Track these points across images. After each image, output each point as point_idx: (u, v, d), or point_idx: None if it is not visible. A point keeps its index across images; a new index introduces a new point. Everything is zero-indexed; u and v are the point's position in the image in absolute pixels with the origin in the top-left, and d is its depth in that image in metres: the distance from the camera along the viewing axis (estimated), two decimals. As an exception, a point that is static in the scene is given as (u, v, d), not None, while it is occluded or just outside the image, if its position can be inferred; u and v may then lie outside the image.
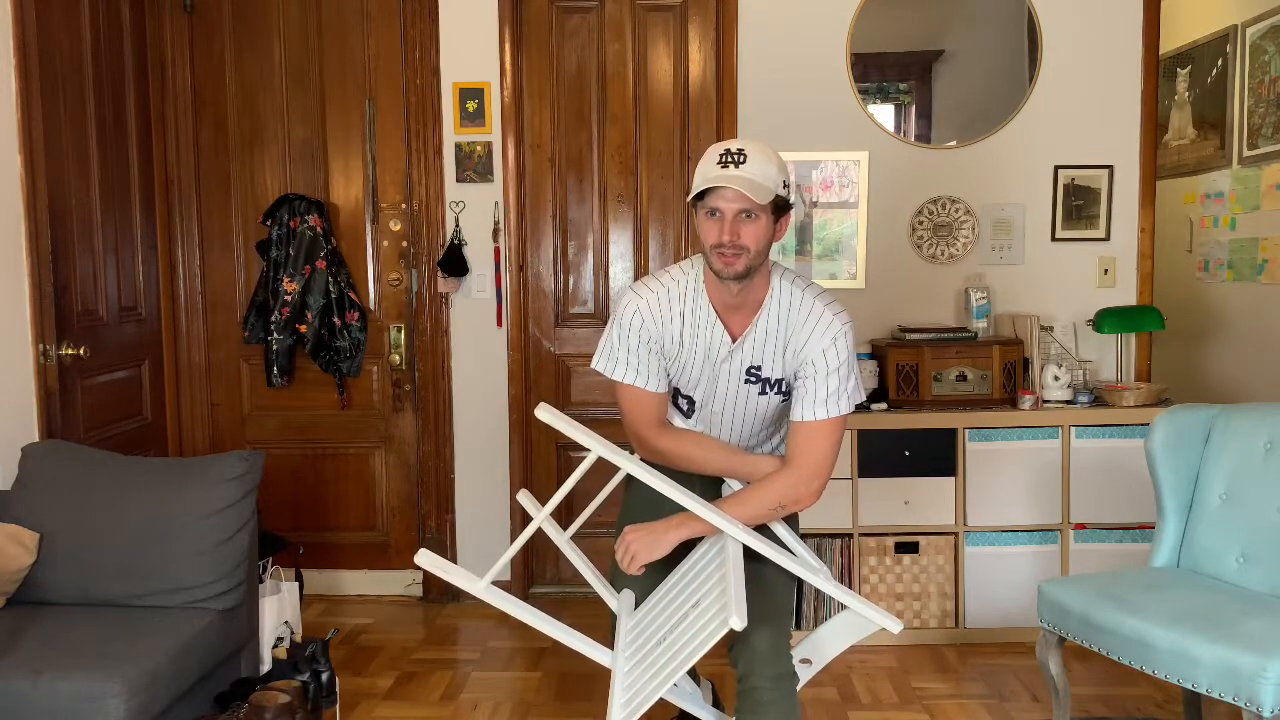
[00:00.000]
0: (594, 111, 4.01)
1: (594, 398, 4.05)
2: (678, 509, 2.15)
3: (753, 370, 2.24)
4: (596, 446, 2.06)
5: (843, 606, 2.21)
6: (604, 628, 2.54)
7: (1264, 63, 4.15)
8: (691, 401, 2.34)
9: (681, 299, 2.22)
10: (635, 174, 4.02)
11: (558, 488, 3.93)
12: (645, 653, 2.08)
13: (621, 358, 2.27)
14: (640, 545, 2.17)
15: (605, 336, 2.30)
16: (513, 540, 4.04)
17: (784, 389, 2.26)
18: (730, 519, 2.10)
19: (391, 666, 3.43)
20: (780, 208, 2.13)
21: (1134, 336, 3.87)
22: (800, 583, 3.50)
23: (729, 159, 2.07)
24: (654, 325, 2.23)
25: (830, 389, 2.17)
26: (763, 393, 2.26)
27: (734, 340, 2.22)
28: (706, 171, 2.09)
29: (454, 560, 4.05)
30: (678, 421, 2.39)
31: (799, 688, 2.18)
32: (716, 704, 2.75)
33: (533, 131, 4.01)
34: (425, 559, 2.16)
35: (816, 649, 2.28)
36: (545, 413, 2.06)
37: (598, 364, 2.32)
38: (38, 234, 3.11)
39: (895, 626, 2.14)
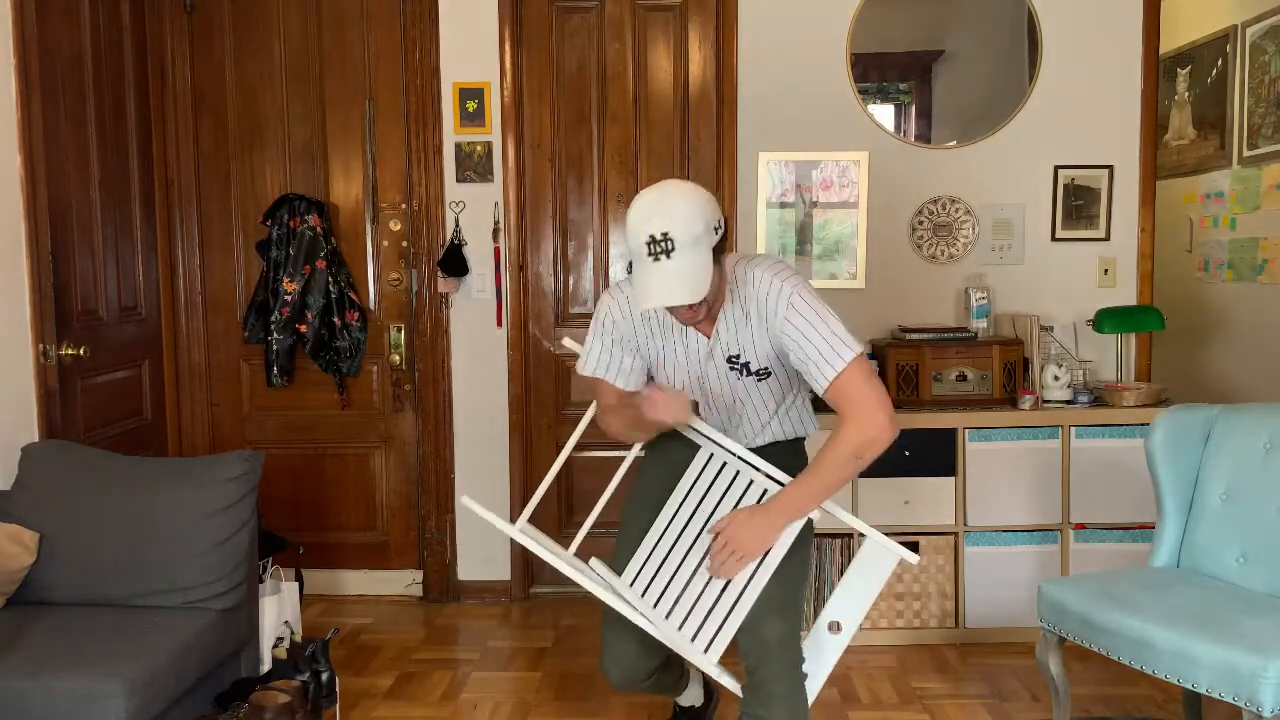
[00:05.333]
0: (594, 111, 4.01)
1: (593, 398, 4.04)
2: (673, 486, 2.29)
3: (733, 359, 2.25)
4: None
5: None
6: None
7: (1264, 63, 4.15)
8: (695, 404, 2.36)
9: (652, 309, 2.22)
10: (635, 174, 4.02)
11: (559, 488, 3.94)
12: (686, 597, 2.19)
13: (595, 353, 2.33)
14: (750, 541, 2.14)
15: (587, 338, 2.36)
16: (513, 543, 4.04)
17: (754, 371, 2.26)
18: (813, 491, 2.14)
19: (391, 666, 3.43)
20: (719, 245, 2.08)
21: (1134, 336, 3.87)
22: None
23: (656, 248, 1.98)
24: (626, 325, 2.28)
25: (820, 341, 2.12)
26: (740, 375, 2.27)
27: (709, 337, 2.24)
28: (637, 258, 2.03)
29: (453, 561, 4.06)
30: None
31: (836, 657, 2.20)
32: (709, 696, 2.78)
33: (533, 131, 4.01)
34: (469, 502, 2.29)
35: (842, 609, 2.26)
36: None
37: (582, 369, 2.38)
38: (38, 234, 3.10)
39: (912, 558, 2.18)
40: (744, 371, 2.26)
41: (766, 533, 2.14)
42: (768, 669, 2.12)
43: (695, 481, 2.35)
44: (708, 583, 2.20)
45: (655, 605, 2.23)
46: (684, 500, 2.34)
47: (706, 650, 2.14)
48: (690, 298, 2.01)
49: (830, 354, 2.11)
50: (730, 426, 2.37)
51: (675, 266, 1.99)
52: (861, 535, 2.29)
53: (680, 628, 2.18)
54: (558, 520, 4.01)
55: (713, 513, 2.29)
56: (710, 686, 2.80)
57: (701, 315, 2.13)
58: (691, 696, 2.74)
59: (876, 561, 2.23)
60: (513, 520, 2.42)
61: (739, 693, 2.22)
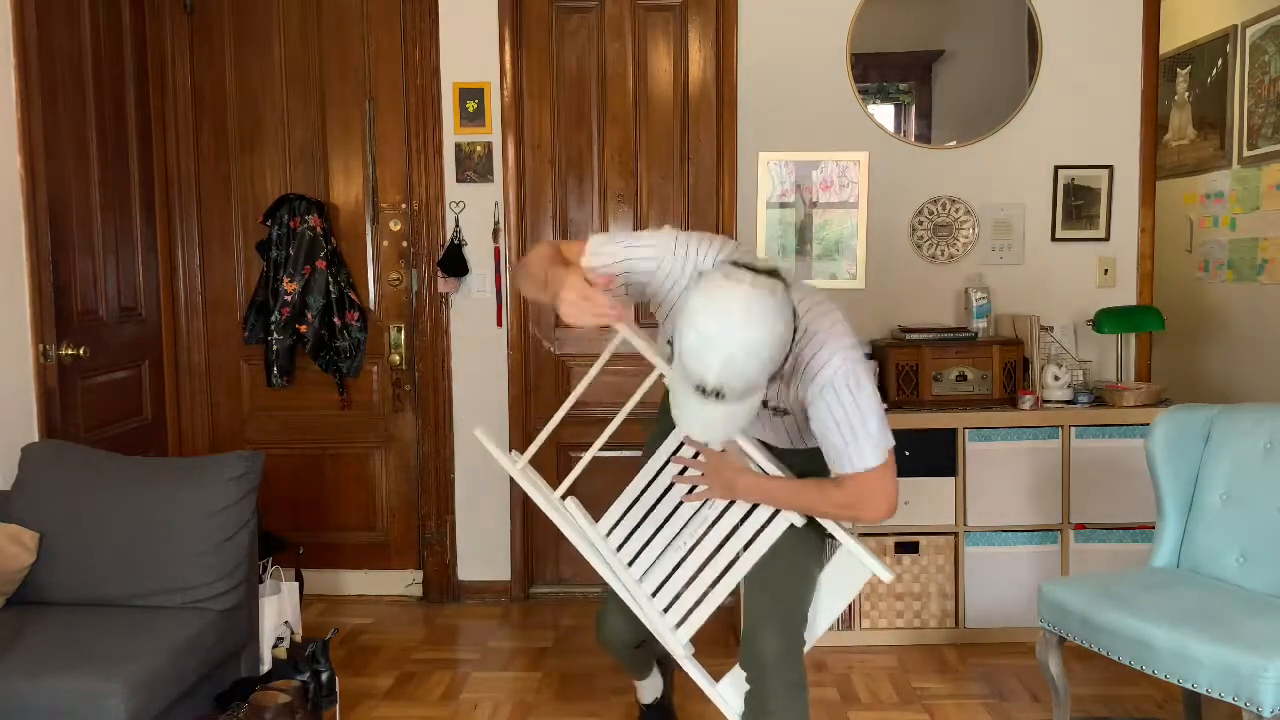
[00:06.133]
0: (594, 111, 4.01)
1: (596, 397, 4.00)
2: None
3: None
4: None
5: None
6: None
7: (1264, 63, 4.15)
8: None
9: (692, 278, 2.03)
10: (635, 174, 4.02)
11: (559, 488, 3.92)
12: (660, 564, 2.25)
13: (610, 263, 2.08)
14: (714, 483, 2.17)
15: (618, 244, 2.12)
16: (514, 539, 4.04)
17: (781, 412, 2.14)
18: (786, 500, 2.14)
19: (391, 666, 3.43)
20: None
21: (1134, 336, 3.87)
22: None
23: (707, 392, 1.78)
24: (646, 277, 2.08)
25: (850, 438, 1.96)
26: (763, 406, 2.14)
27: None
28: (686, 378, 1.80)
29: (453, 560, 4.06)
30: None
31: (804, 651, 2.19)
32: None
33: (533, 131, 4.01)
34: (481, 433, 2.43)
35: (811, 611, 2.27)
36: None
37: (587, 259, 2.09)
38: (38, 234, 3.10)
39: (887, 575, 2.10)
40: (765, 405, 2.13)
41: (729, 490, 2.16)
42: (764, 685, 2.11)
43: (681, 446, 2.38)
44: (685, 556, 2.25)
45: (630, 564, 2.29)
46: (669, 462, 2.38)
47: (678, 626, 2.19)
48: (730, 436, 1.98)
49: (855, 456, 1.97)
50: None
51: (721, 413, 1.82)
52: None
53: (654, 595, 2.23)
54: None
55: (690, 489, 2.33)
56: (666, 675, 2.79)
57: None
58: (652, 689, 2.75)
59: (850, 571, 2.22)
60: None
61: (702, 682, 2.21)
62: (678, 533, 2.29)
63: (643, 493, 2.38)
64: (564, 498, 2.43)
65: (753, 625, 2.16)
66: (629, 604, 2.25)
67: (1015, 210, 3.91)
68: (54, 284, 3.17)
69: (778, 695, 2.10)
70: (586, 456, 2.51)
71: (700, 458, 2.24)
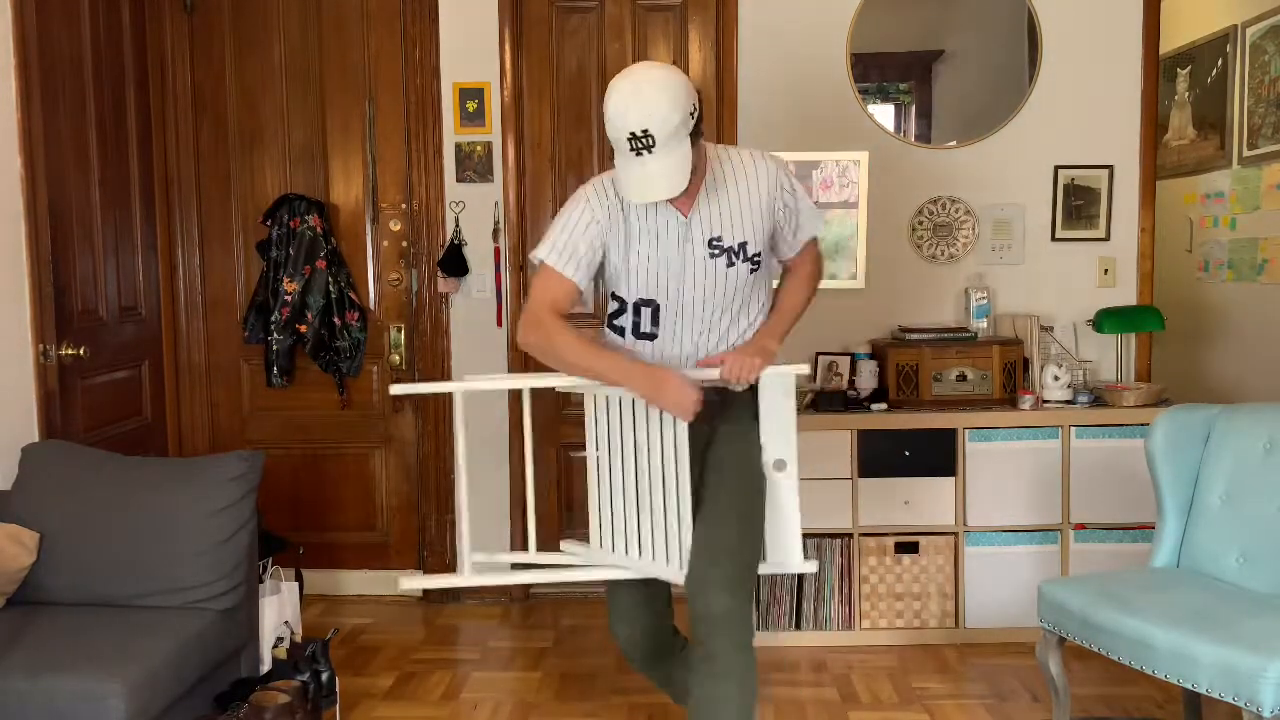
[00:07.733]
0: (594, 111, 4.01)
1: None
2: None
3: (714, 242, 2.24)
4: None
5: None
6: (601, 628, 2.55)
7: (1264, 63, 4.15)
8: (655, 311, 2.30)
9: None
10: (635, 174, 4.02)
11: (558, 488, 3.94)
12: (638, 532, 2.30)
13: (561, 243, 2.28)
14: (752, 359, 2.22)
15: (551, 227, 2.32)
16: (514, 539, 4.04)
17: (749, 256, 2.26)
18: (795, 312, 2.39)
19: (391, 666, 3.43)
20: (696, 128, 2.11)
21: (1134, 336, 3.87)
22: (801, 577, 3.50)
23: (638, 144, 2.04)
24: (603, 212, 2.27)
25: (810, 205, 2.36)
26: (730, 264, 2.25)
27: (685, 215, 2.23)
28: (619, 150, 2.09)
29: (453, 561, 4.05)
30: (633, 343, 2.38)
31: (795, 499, 2.22)
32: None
33: (533, 131, 4.01)
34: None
35: (774, 444, 2.27)
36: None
37: (537, 253, 2.31)
38: (38, 234, 3.10)
39: (803, 368, 2.25)
40: (732, 257, 2.24)
41: (767, 355, 2.24)
42: (714, 644, 2.09)
43: (617, 418, 2.40)
44: (653, 512, 2.26)
45: (636, 552, 2.30)
46: (609, 437, 2.39)
47: (682, 568, 2.20)
48: (674, 191, 2.07)
49: (816, 215, 2.39)
50: (688, 341, 2.31)
51: (658, 162, 2.05)
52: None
53: (653, 560, 2.26)
54: (558, 520, 4.01)
55: (647, 442, 2.28)
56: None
57: (687, 195, 2.19)
58: None
59: (775, 387, 2.25)
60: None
61: None
62: (639, 497, 2.30)
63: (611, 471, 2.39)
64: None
65: (701, 581, 2.11)
66: (645, 574, 2.26)
67: (1015, 210, 3.91)
68: (54, 284, 3.17)
69: (728, 654, 2.08)
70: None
71: (718, 373, 2.24)
